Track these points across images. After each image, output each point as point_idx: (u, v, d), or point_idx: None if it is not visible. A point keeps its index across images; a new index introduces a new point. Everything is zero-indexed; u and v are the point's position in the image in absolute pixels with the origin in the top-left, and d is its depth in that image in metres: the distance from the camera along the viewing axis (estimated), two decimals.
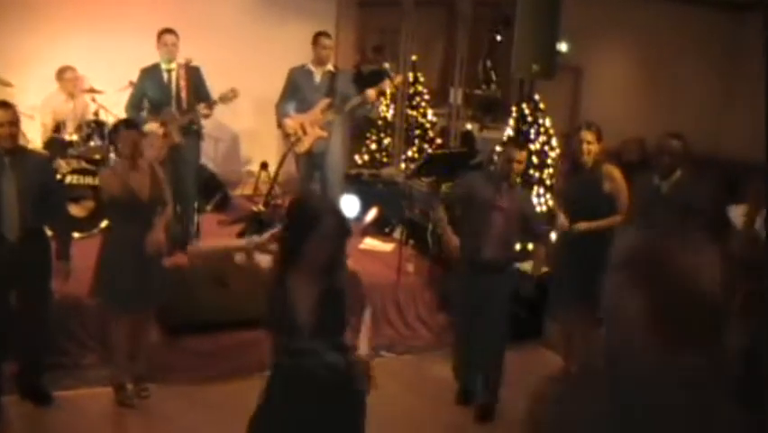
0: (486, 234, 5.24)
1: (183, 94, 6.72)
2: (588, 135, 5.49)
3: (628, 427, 1.74)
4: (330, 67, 7.28)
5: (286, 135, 7.22)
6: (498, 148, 8.18)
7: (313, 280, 3.23)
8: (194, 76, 6.82)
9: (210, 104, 6.71)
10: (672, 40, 11.12)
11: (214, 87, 6.91)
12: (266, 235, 3.30)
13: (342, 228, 3.27)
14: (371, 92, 7.19)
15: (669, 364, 1.73)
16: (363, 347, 3.47)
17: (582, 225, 5.46)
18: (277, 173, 6.66)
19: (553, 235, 6.12)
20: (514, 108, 7.68)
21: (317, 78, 7.22)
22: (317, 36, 7.27)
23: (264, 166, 8.62)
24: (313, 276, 3.23)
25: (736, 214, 5.77)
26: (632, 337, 1.78)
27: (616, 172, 5.53)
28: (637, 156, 10.51)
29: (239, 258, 3.33)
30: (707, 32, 11.40)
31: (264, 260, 3.30)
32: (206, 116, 6.83)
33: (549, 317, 6.19)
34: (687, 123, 9.22)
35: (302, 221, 3.21)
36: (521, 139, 7.26)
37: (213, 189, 8.04)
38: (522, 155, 5.38)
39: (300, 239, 3.18)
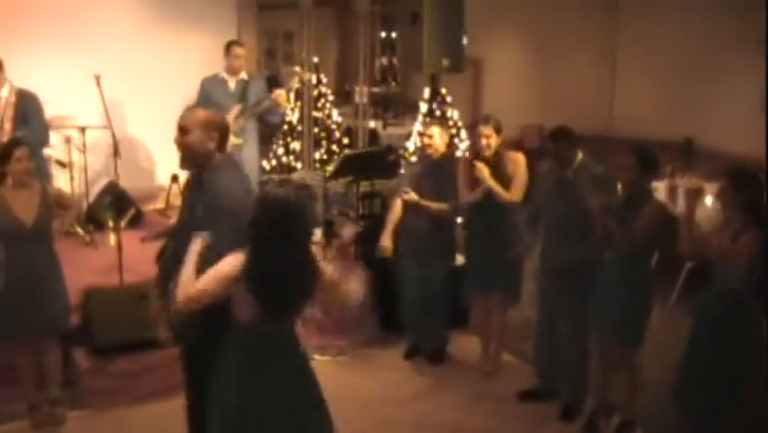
0: None
1: (7, 124, 6.22)
2: (485, 130, 5.56)
3: None
4: (243, 75, 7.24)
5: None
6: (407, 143, 8.28)
7: None
8: (24, 104, 6.30)
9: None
10: (562, 27, 11.44)
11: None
12: None
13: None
14: (281, 92, 7.10)
15: None
16: None
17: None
18: None
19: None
20: (422, 103, 7.78)
21: (232, 86, 7.18)
22: (230, 45, 7.22)
23: (175, 179, 8.45)
24: None
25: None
26: None
27: (519, 157, 5.64)
28: (537, 142, 10.82)
29: None
30: (590, 19, 11.78)
31: None
32: None
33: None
34: (579, 106, 9.54)
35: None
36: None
37: (124, 206, 7.83)
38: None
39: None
